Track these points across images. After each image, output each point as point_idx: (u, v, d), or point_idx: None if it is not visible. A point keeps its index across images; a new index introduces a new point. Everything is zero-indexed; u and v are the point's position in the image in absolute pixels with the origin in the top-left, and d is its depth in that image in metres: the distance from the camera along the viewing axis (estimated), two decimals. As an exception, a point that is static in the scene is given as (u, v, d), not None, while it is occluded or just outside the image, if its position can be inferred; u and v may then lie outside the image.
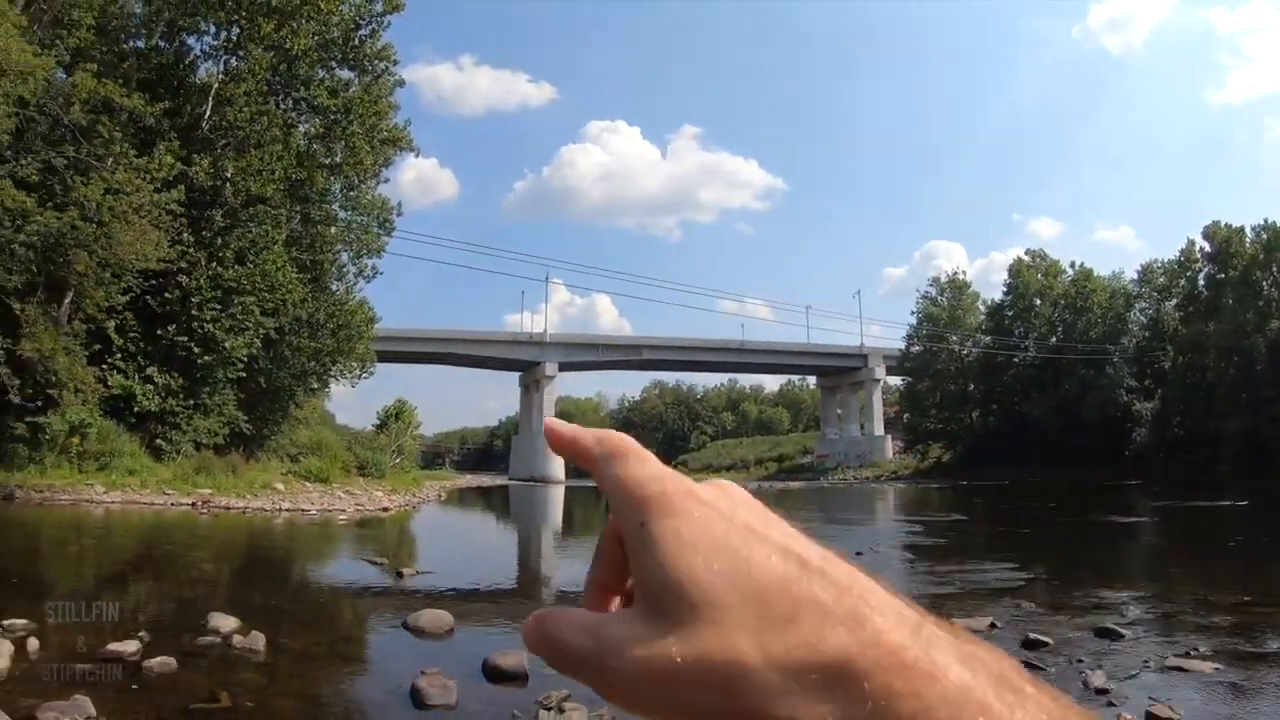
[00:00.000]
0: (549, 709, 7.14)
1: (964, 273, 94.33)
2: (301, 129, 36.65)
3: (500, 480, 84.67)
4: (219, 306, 31.22)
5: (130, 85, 28.83)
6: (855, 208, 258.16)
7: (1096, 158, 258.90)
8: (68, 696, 6.77)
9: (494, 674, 8.34)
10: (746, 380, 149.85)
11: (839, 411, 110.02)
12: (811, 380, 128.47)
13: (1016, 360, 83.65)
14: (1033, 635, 10.01)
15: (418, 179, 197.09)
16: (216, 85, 33.16)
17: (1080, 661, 9.09)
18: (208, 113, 32.86)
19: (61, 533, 20.34)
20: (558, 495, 59.36)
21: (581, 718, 6.93)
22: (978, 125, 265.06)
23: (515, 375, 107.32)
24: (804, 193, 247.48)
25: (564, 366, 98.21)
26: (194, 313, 30.86)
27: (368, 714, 7.64)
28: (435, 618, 10.65)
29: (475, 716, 7.30)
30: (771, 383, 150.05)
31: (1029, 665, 8.78)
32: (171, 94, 32.73)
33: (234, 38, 34.00)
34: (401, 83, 39.18)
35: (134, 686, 7.62)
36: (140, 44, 33.43)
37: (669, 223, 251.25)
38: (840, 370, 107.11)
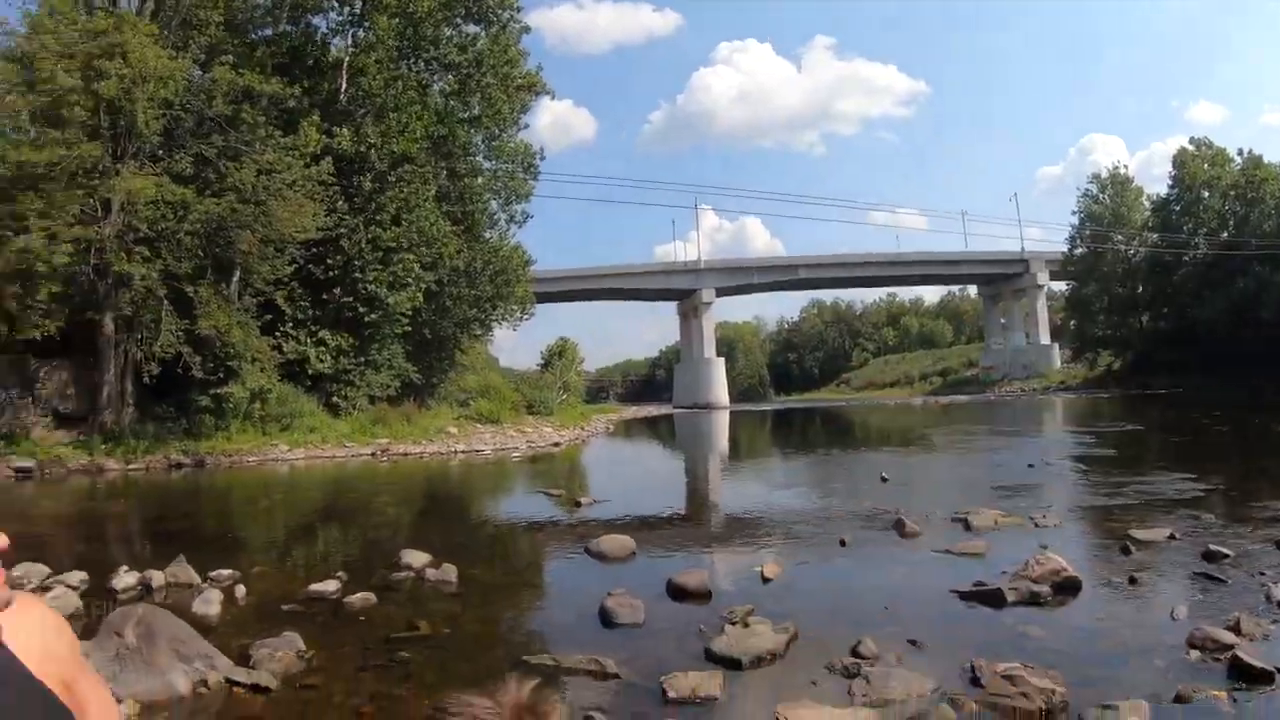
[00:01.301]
0: (734, 623, 7.09)
1: (1125, 167, 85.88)
2: (436, 87, 36.66)
3: (665, 410, 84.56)
4: (380, 266, 31.66)
5: (266, 71, 29.25)
6: (1002, 106, 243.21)
7: (1263, 33, 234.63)
8: (278, 633, 7.07)
9: (678, 593, 8.46)
10: (905, 294, 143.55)
11: (1002, 321, 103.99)
12: (972, 290, 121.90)
13: (1186, 259, 75.35)
14: (1212, 547, 9.46)
15: (554, 122, 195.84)
16: (348, 59, 33.43)
17: (1262, 574, 8.49)
18: (343, 85, 33.15)
19: (252, 491, 20.92)
20: (722, 421, 58.95)
21: (766, 630, 6.84)
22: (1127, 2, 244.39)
23: (673, 305, 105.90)
24: (947, 95, 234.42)
25: (720, 292, 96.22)
26: (356, 275, 31.38)
27: (560, 634, 7.56)
28: (617, 542, 10.77)
29: (662, 632, 7.32)
30: (931, 295, 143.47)
31: (1208, 578, 8.50)
32: (306, 73, 33.11)
33: (358, 10, 34.16)
34: (527, 29, 38.57)
35: (337, 621, 8.01)
36: (268, 32, 33.80)
37: (810, 138, 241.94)
38: (1001, 277, 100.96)
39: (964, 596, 8.00)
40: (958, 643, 6.64)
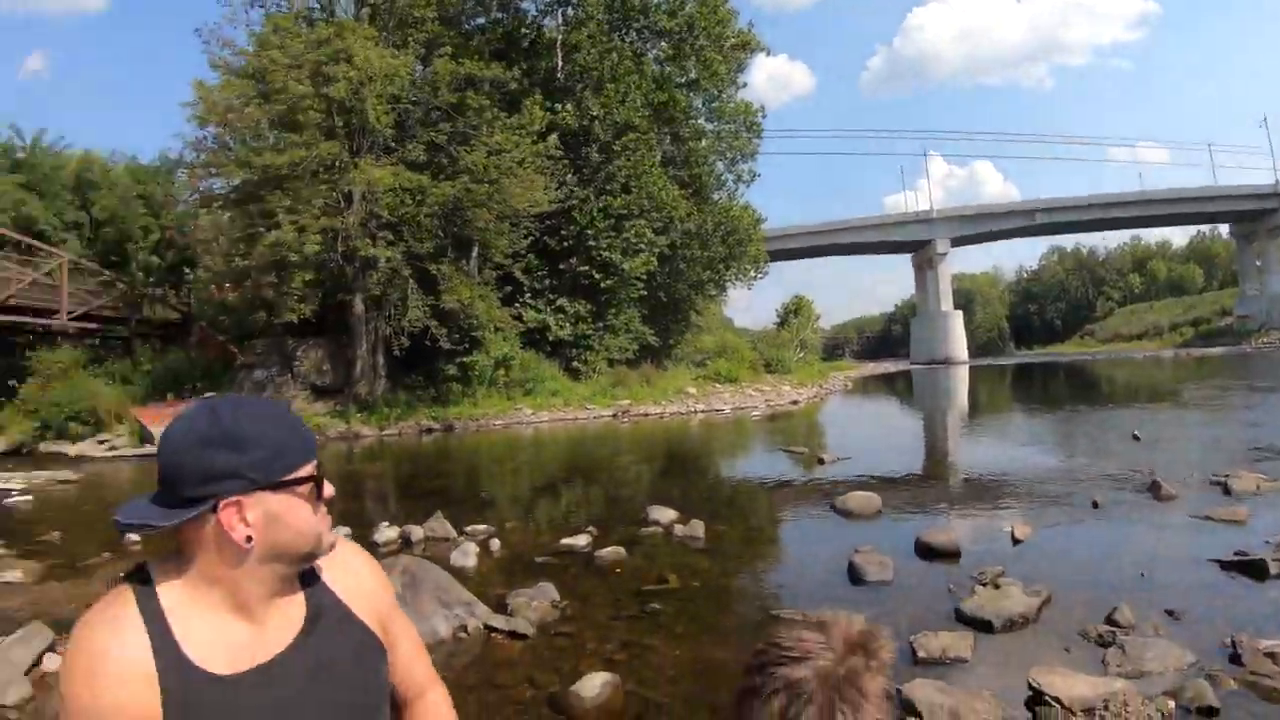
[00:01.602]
0: (984, 584, 6.96)
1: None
2: (651, 55, 36.54)
3: (902, 366, 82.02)
4: (612, 234, 31.97)
5: (484, 58, 29.91)
6: (1245, 16, 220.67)
7: None
8: (533, 584, 7.41)
9: (926, 551, 8.26)
10: (1151, 236, 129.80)
11: (1257, 263, 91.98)
12: (1223, 229, 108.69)
13: None
14: None
15: (771, 78, 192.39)
16: (560, 37, 33.67)
17: None
18: (559, 63, 33.35)
19: (499, 452, 21.48)
20: (961, 376, 56.65)
21: (1018, 592, 6.61)
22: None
23: (906, 257, 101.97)
24: (1181, 11, 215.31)
25: (955, 241, 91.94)
26: (590, 243, 31.81)
27: (809, 589, 7.47)
28: (863, 499, 10.59)
29: (911, 590, 7.14)
30: (1178, 236, 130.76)
31: None
32: (523, 55, 33.53)
33: (565, -11, 34.45)
34: (734, -12, 37.69)
35: (589, 573, 8.21)
36: (480, 21, 34.55)
37: (1037, 72, 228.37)
38: (1254, 214, 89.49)
39: (1224, 566, 7.42)
40: (1217, 615, 6.19)
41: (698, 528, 9.49)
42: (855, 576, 7.47)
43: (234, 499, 1.32)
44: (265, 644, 1.39)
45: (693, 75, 36.52)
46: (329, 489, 1.42)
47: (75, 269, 30.06)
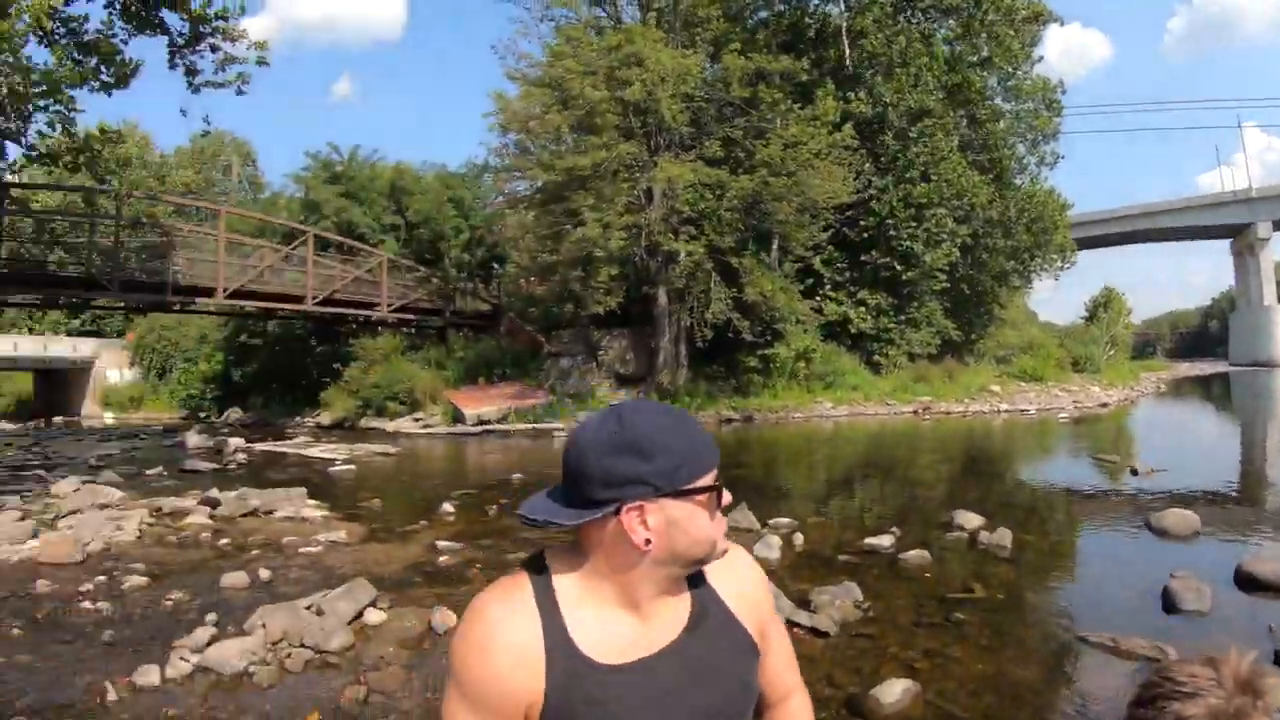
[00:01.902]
0: None
1: None
2: (940, 34, 34.96)
3: (1219, 367, 75.10)
4: (913, 224, 31.08)
5: (772, 51, 29.73)
6: None
7: None
8: (836, 581, 7.33)
9: (1248, 581, 7.40)
10: None
11: None
12: None
13: None
14: None
15: (1066, 50, 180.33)
16: (845, 24, 32.91)
17: None
18: (847, 50, 32.64)
19: (799, 445, 21.63)
20: (1284, 383, 51.02)
21: None
22: None
23: (1225, 243, 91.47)
24: None
25: (1279, 224, 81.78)
26: (890, 234, 31.08)
27: (1117, 612, 6.88)
28: (1180, 518, 9.77)
29: (1229, 624, 6.50)
30: None
31: None
32: (810, 46, 33.11)
33: (847, -26, 33.68)
34: (1012, -47, 35.56)
35: (892, 575, 8.01)
36: (764, 14, 34.31)
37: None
38: None
39: None
40: None
41: (1004, 536, 9.10)
42: (1169, 603, 6.87)
43: (637, 504, 1.35)
44: (649, 639, 1.44)
45: (985, 53, 34.58)
46: (727, 497, 1.43)
47: (393, 266, 32.54)
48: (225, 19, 17.40)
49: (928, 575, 7.94)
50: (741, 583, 1.57)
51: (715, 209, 27.15)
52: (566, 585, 1.42)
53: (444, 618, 6.59)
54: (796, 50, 31.37)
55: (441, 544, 9.63)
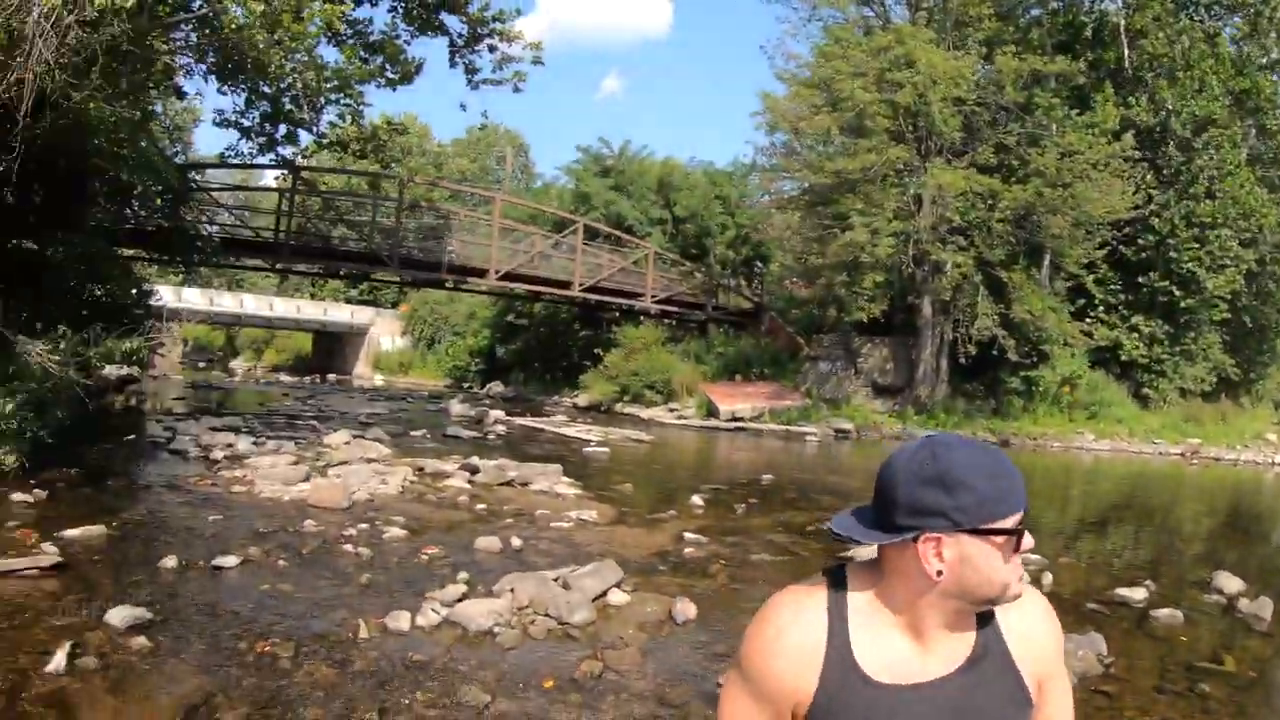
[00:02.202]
0: None
1: None
2: (1225, 34, 32.26)
3: None
4: (1195, 245, 28.87)
5: (1047, 52, 28.45)
6: None
7: None
8: (1081, 630, 6.95)
9: None
10: None
11: None
12: None
13: None
14: None
15: None
16: (1123, 22, 30.85)
17: None
18: (1125, 51, 30.73)
19: (1055, 476, 20.81)
20: None
21: None
22: None
23: None
24: None
25: None
26: (1170, 255, 28.99)
27: None
28: None
29: None
30: None
31: None
32: (1087, 46, 31.25)
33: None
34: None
35: (1140, 632, 7.61)
36: (1037, 12, 32.26)
37: None
38: None
39: None
40: None
41: (1265, 606, 8.32)
42: None
43: (935, 535, 1.40)
44: (924, 668, 1.48)
45: (1275, 54, 32.00)
46: (1029, 542, 1.44)
47: (658, 258, 33.57)
48: (502, 21, 18.66)
49: (1179, 638, 7.51)
50: (1031, 630, 1.57)
51: (986, 219, 26.34)
52: (859, 600, 1.50)
53: (684, 608, 6.83)
54: (1072, 51, 29.74)
55: (688, 535, 9.91)
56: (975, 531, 1.41)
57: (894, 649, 1.49)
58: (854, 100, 25.60)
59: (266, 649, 5.71)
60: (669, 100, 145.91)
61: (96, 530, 8.33)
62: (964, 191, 25.80)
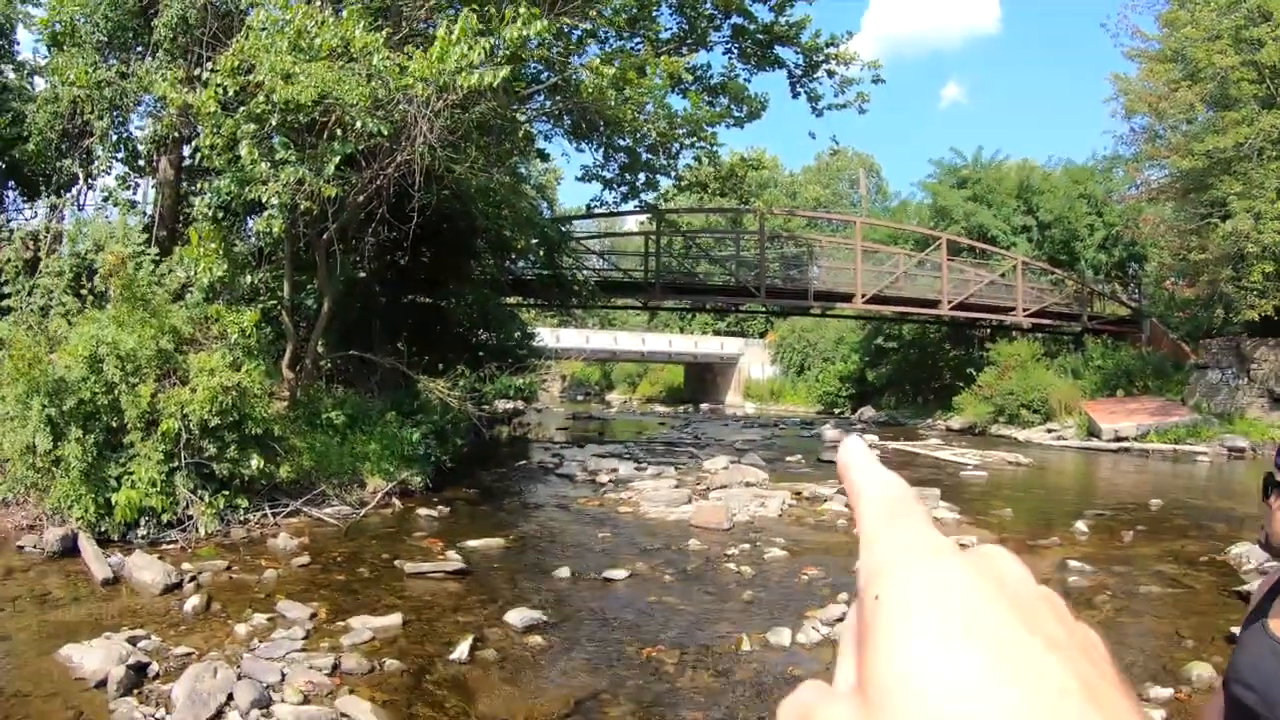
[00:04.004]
0: None
1: None
2: None
3: None
4: None
5: None
6: None
7: None
8: None
9: None
10: None
11: None
12: None
13: None
14: None
15: None
16: None
17: None
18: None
19: None
20: None
21: None
22: None
23: None
24: None
25: None
26: None
27: None
28: None
29: None
30: None
31: None
32: None
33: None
34: None
35: None
36: None
37: None
38: None
39: None
40: None
41: None
42: None
43: None
44: None
45: None
46: None
47: (1026, 268, 32.72)
48: (835, 45, 19.60)
49: None
50: None
51: None
52: None
53: None
54: None
55: (1073, 563, 9.80)
56: None
57: None
58: (1213, 68, 23.88)
59: (652, 655, 6.60)
60: (1013, 98, 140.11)
61: (495, 542, 10.09)
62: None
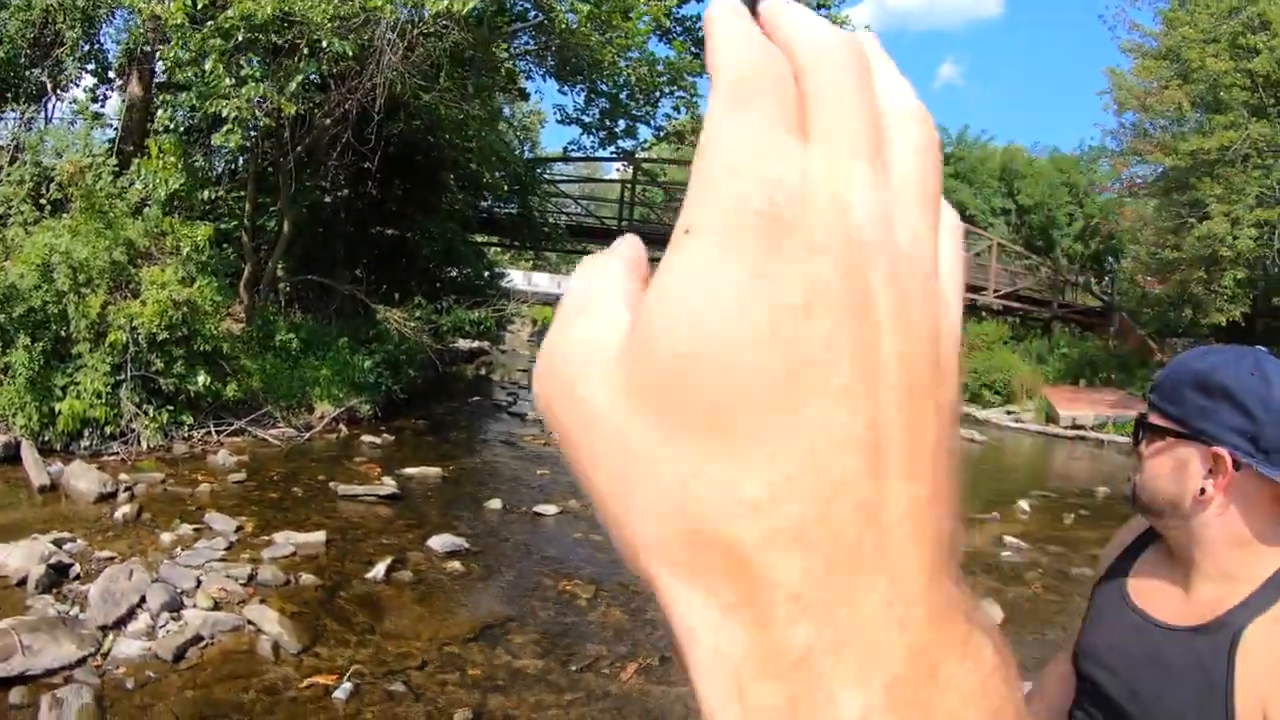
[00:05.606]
0: None
1: None
2: None
3: None
4: None
5: None
6: None
7: None
8: None
9: None
10: None
11: None
12: None
13: None
14: None
15: None
16: None
17: None
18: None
19: None
20: None
21: None
22: None
23: None
24: None
25: None
26: None
27: None
28: None
29: None
30: None
31: None
32: None
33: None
34: None
35: None
36: None
37: None
38: None
39: None
40: None
41: None
42: None
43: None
44: (1173, 610, 1.49)
45: None
46: None
47: (1002, 251, 32.79)
48: (828, 7, 19.00)
49: None
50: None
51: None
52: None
53: (990, 612, 7.11)
54: None
55: (1009, 539, 9.99)
56: None
57: (1168, 584, 1.55)
58: (1205, 71, 24.01)
59: (568, 588, 6.86)
60: (1007, 83, 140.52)
61: (433, 471, 10.30)
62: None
